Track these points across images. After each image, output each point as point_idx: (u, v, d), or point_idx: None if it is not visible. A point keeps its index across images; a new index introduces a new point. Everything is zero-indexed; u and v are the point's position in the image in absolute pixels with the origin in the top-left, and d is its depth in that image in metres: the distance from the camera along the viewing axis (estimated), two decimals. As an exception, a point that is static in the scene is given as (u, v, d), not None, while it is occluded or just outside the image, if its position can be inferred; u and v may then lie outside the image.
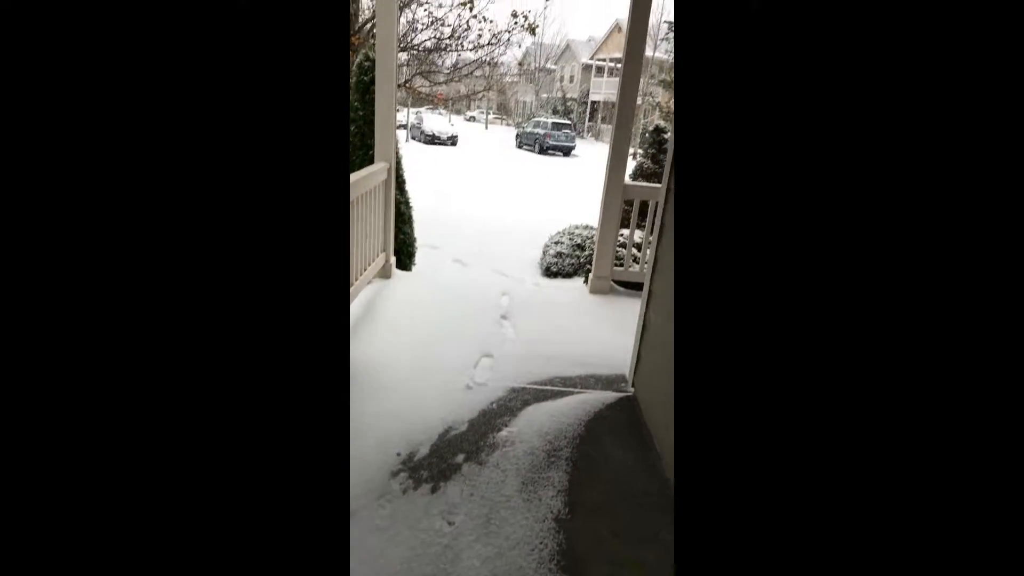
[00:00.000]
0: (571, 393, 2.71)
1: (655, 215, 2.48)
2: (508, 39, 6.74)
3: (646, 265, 4.11)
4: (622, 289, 4.22)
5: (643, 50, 3.75)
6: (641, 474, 2.13)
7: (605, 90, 31.61)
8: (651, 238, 3.90)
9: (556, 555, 1.73)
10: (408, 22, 6.27)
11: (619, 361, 3.02)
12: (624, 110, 3.82)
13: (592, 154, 23.45)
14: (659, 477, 2.11)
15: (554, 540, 1.78)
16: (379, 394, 2.52)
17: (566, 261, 5.17)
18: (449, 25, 6.45)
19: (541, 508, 1.92)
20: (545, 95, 36.90)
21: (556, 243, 5.41)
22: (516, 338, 3.29)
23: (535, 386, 2.75)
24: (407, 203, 4.55)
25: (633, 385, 2.75)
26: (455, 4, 6.19)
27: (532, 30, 6.35)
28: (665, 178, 2.48)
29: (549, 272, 5.16)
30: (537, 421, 2.43)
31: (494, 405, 2.56)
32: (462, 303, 3.77)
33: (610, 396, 2.68)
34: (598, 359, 3.07)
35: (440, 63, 7.41)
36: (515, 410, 2.53)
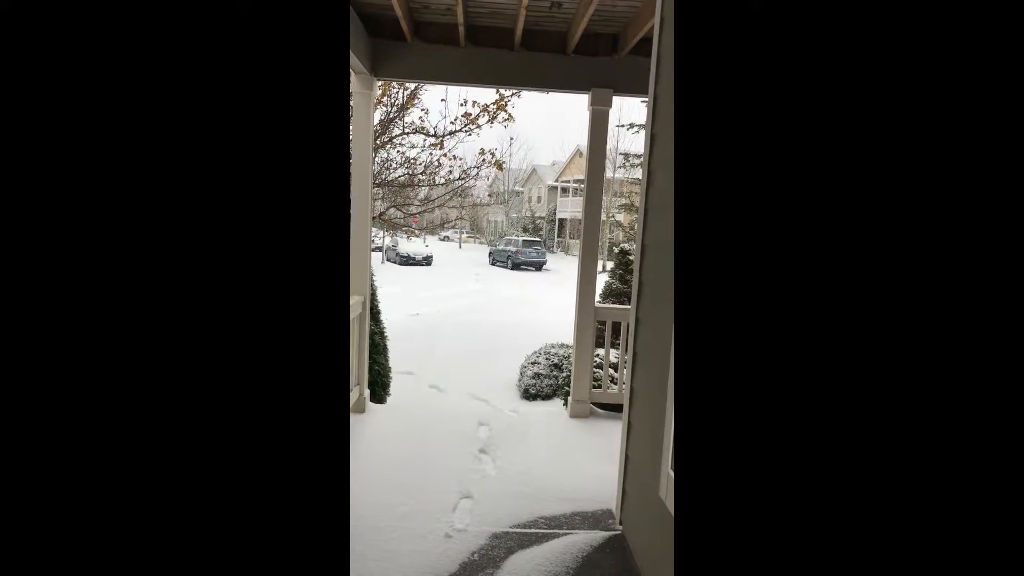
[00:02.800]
0: (557, 536, 2.54)
1: (627, 338, 2.50)
2: (477, 174, 7.23)
3: (623, 386, 4.09)
4: (601, 411, 4.14)
5: (603, 174, 4.03)
6: (639, 632, 1.94)
7: (571, 208, 33.53)
8: (626, 358, 3.93)
9: None
10: (382, 161, 6.71)
11: (605, 494, 2.88)
12: (589, 232, 4.01)
13: (562, 267, 24.26)
14: (659, 635, 1.93)
15: None
16: (353, 553, 2.32)
17: (544, 382, 5.11)
18: (421, 163, 6.92)
19: None
20: (515, 215, 38.86)
21: (533, 363, 5.39)
22: (496, 474, 3.14)
23: (518, 530, 2.58)
24: (382, 333, 4.53)
25: (621, 523, 2.60)
26: (427, 145, 6.69)
27: (499, 166, 6.84)
28: (633, 302, 2.53)
29: (527, 394, 5.09)
30: (523, 572, 2.24)
31: (476, 556, 2.37)
32: (439, 437, 3.63)
33: (598, 537, 2.52)
34: (583, 493, 2.92)
35: (413, 195, 7.83)
36: (498, 560, 2.34)
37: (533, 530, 2.58)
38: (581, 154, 31.41)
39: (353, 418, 3.70)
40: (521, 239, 25.73)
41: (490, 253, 27.38)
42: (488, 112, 6.04)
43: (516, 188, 39.28)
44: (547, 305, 12.69)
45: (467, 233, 40.76)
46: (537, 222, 36.53)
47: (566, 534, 2.55)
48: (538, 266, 23.97)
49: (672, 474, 1.94)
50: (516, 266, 23.82)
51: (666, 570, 1.95)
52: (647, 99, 2.51)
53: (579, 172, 31.59)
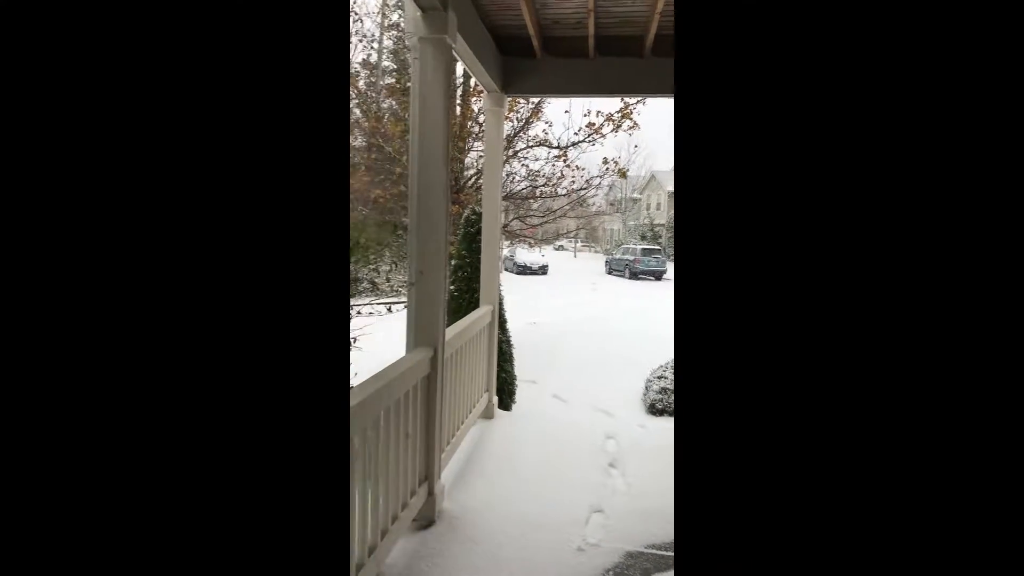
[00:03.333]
0: (696, 561, 2.41)
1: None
2: (600, 183, 7.20)
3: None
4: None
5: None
6: None
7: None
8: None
9: None
10: (507, 174, 6.92)
11: (748, 521, 2.69)
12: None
13: (684, 277, 23.20)
14: None
15: None
16: (488, 553, 2.39)
17: (671, 397, 4.92)
18: (544, 175, 7.04)
19: None
20: (632, 223, 38.03)
21: (659, 377, 5.21)
22: (627, 491, 3.07)
23: (655, 551, 2.49)
24: (508, 341, 4.65)
25: (769, 554, 2.41)
26: (550, 157, 6.79)
27: (623, 174, 6.74)
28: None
29: (654, 409, 4.93)
30: (662, 597, 2.16)
31: (611, 573, 2.33)
32: (566, 447, 3.63)
33: (743, 567, 2.36)
34: (722, 518, 2.76)
35: (536, 207, 7.98)
36: (634, 580, 2.28)
37: (670, 553, 2.47)
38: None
39: (483, 423, 3.82)
40: (639, 247, 25.10)
41: (607, 262, 27.01)
42: (612, 121, 6.00)
43: (634, 195, 38.48)
44: (667, 316, 12.23)
45: (582, 242, 40.63)
46: (656, 229, 35.44)
47: (706, 561, 2.42)
48: (657, 275, 23.20)
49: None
50: (634, 275, 23.25)
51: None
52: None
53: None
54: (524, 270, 23.86)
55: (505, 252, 25.13)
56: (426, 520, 2.54)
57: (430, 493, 2.56)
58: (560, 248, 40.52)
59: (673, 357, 5.43)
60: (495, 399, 4.05)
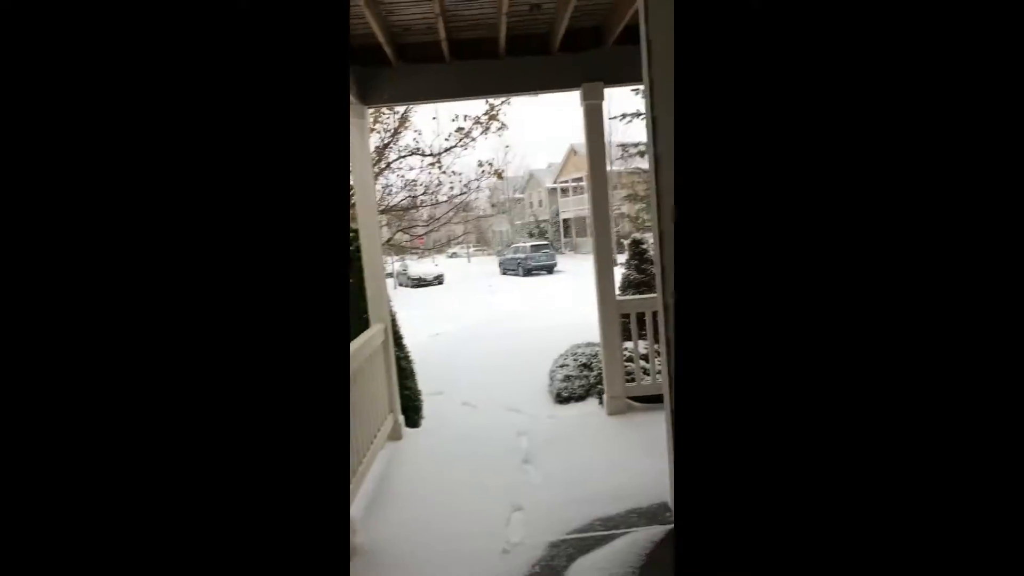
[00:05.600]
0: (616, 536, 2.49)
1: (657, 327, 2.45)
2: (478, 186, 7.25)
3: (658, 376, 4.04)
4: (638, 404, 4.09)
5: (605, 168, 4.00)
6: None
7: (573, 207, 33.49)
8: (656, 348, 3.87)
9: None
10: (382, 187, 6.75)
11: (657, 487, 2.82)
12: (600, 227, 3.98)
13: (573, 267, 24.17)
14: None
15: None
16: (410, 581, 2.29)
17: (576, 383, 5.06)
18: (422, 184, 6.96)
19: None
20: (519, 222, 38.90)
21: (561, 366, 5.34)
22: (544, 482, 3.10)
23: (576, 535, 2.53)
24: (407, 357, 4.53)
25: (679, 514, 2.54)
26: (424, 166, 6.73)
27: (499, 175, 6.84)
28: (659, 289, 2.50)
29: (560, 398, 5.03)
30: (587, 579, 2.20)
31: (537, 568, 2.33)
32: (480, 453, 3.60)
33: (658, 532, 2.47)
34: (635, 490, 2.87)
35: (418, 217, 7.86)
36: (560, 569, 2.30)
37: (591, 534, 2.53)
38: (576, 152, 31.39)
39: (391, 445, 3.68)
40: (529, 245, 25.74)
41: (500, 263, 27.40)
42: (481, 123, 6.06)
43: (516, 195, 39.36)
44: (564, 306, 12.64)
45: (474, 247, 40.88)
46: (542, 226, 36.55)
47: (624, 533, 2.50)
48: (549, 269, 23.93)
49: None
50: (528, 272, 23.79)
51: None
52: (643, 86, 2.49)
53: (576, 171, 31.56)
54: (420, 283, 23.51)
55: (397, 266, 24.56)
56: (340, 559, 2.39)
57: (341, 530, 2.41)
58: (454, 255, 40.44)
59: (572, 345, 5.60)
60: (401, 418, 3.92)
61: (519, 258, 24.72)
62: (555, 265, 24.37)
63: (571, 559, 2.36)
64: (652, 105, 2.42)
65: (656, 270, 2.51)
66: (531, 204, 40.46)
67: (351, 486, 2.64)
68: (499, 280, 23.39)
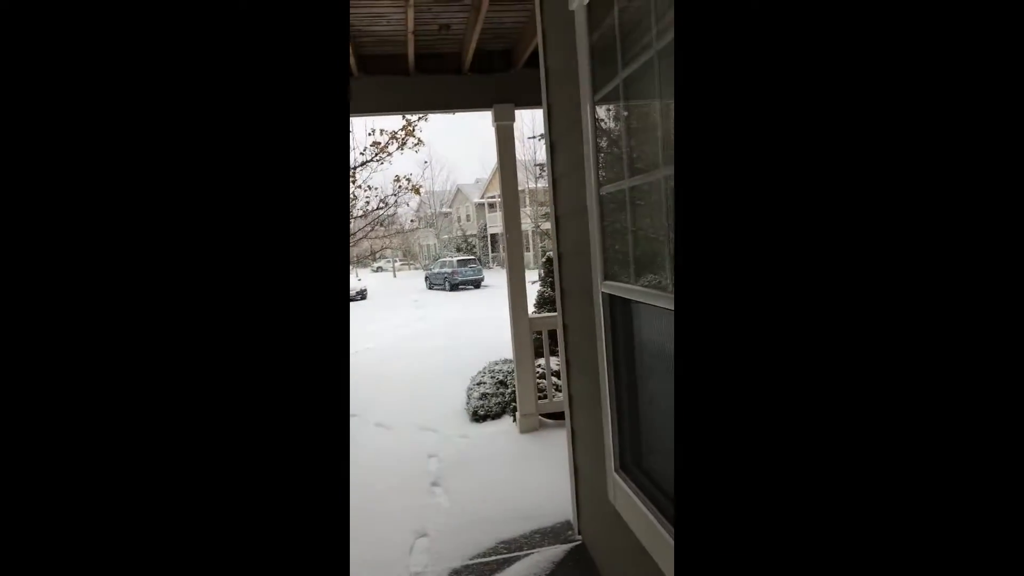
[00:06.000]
0: (518, 559, 2.47)
1: (561, 347, 2.48)
2: (395, 201, 7.14)
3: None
4: (551, 421, 4.13)
5: (516, 187, 4.06)
6: (609, 643, 1.91)
7: (502, 222, 33.84)
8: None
9: None
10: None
11: (563, 506, 2.85)
12: (513, 246, 4.02)
13: (501, 282, 24.30)
14: (629, 641, 1.90)
15: None
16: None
17: (492, 401, 5.04)
18: (336, 198, 6.75)
19: None
20: (446, 236, 38.74)
21: (478, 384, 5.30)
22: (450, 506, 3.05)
23: (479, 560, 2.50)
24: (315, 379, 4.34)
25: (580, 532, 2.57)
26: (338, 179, 6.54)
27: (416, 190, 6.77)
28: (558, 309, 2.54)
29: (476, 416, 4.99)
30: (486, 606, 2.16)
31: (436, 597, 2.27)
32: (388, 477, 3.49)
33: (559, 551, 2.48)
34: (540, 509, 2.88)
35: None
36: (461, 597, 2.25)
37: (493, 558, 2.50)
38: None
39: (294, 473, 3.50)
40: (456, 259, 25.63)
41: (426, 277, 27.07)
42: (396, 139, 5.98)
43: (444, 209, 39.23)
44: (490, 322, 12.65)
45: (400, 261, 40.21)
46: (469, 240, 36.57)
47: (527, 555, 2.49)
48: (476, 283, 23.91)
49: (617, 477, 1.93)
50: (454, 287, 23.66)
51: (628, 572, 1.93)
52: (543, 110, 2.54)
53: (493, 189, 31.93)
54: (341, 298, 22.78)
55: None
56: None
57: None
58: (379, 269, 39.56)
59: (489, 362, 5.59)
60: (306, 443, 3.74)
61: (445, 272, 24.54)
62: (482, 280, 24.39)
63: (472, 585, 2.32)
64: (551, 130, 2.47)
65: (556, 290, 2.55)
66: (458, 219, 40.43)
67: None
68: (425, 295, 23.08)
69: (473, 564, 2.47)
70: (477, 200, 37.24)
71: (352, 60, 3.48)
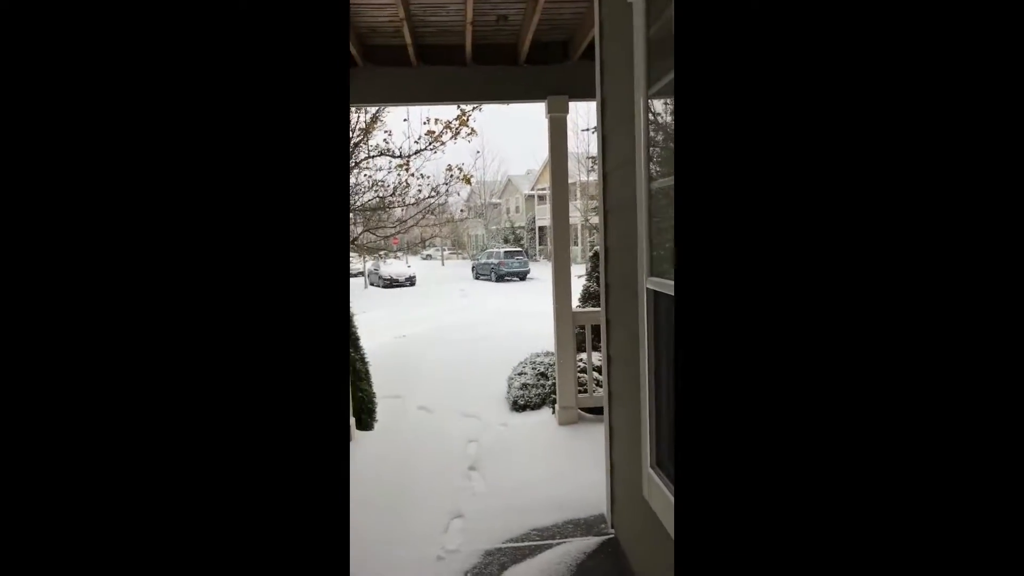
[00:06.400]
0: (550, 546, 2.51)
1: (603, 343, 2.49)
2: (447, 191, 7.25)
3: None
4: (589, 416, 4.13)
5: (567, 180, 4.06)
6: (636, 636, 1.92)
7: (550, 215, 33.70)
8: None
9: None
10: (352, 186, 6.70)
11: (597, 499, 2.86)
12: (559, 239, 4.02)
13: (546, 275, 24.24)
14: (656, 637, 1.91)
15: None
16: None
17: (532, 392, 5.08)
18: (390, 185, 6.93)
19: None
20: (495, 227, 38.95)
21: (520, 374, 5.35)
22: (487, 491, 3.11)
23: (511, 544, 2.55)
24: (362, 359, 4.49)
25: (613, 526, 2.58)
26: (393, 166, 6.70)
27: (467, 180, 6.85)
28: (602, 304, 2.54)
29: (516, 406, 5.04)
30: (517, 589, 2.21)
31: (469, 575, 2.34)
32: (428, 458, 3.59)
33: (591, 543, 2.50)
34: (575, 500, 2.90)
35: (386, 217, 7.81)
36: (492, 578, 2.31)
37: (526, 543, 2.55)
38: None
39: (339, 448, 3.65)
40: (503, 251, 25.73)
41: (473, 267, 27.32)
42: (451, 128, 6.07)
43: (493, 200, 39.42)
44: (533, 314, 12.69)
45: (449, 250, 40.75)
46: (517, 232, 36.62)
47: (559, 543, 2.52)
48: (522, 276, 23.96)
49: (652, 473, 1.93)
50: (500, 278, 23.79)
51: (659, 568, 1.93)
52: (596, 102, 2.54)
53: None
54: (391, 283, 23.32)
55: (369, 266, 24.31)
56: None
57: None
58: (428, 257, 40.22)
59: (532, 353, 5.62)
60: (352, 420, 3.89)
61: (492, 264, 24.68)
62: (528, 272, 24.41)
63: (503, 567, 2.37)
64: (603, 123, 2.47)
65: (600, 286, 2.55)
66: (508, 210, 40.54)
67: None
68: (471, 285, 23.33)
69: (506, 547, 2.52)
70: (527, 192, 37.21)
71: (411, 50, 3.56)
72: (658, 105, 1.91)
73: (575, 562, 2.35)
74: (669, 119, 1.87)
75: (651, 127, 1.92)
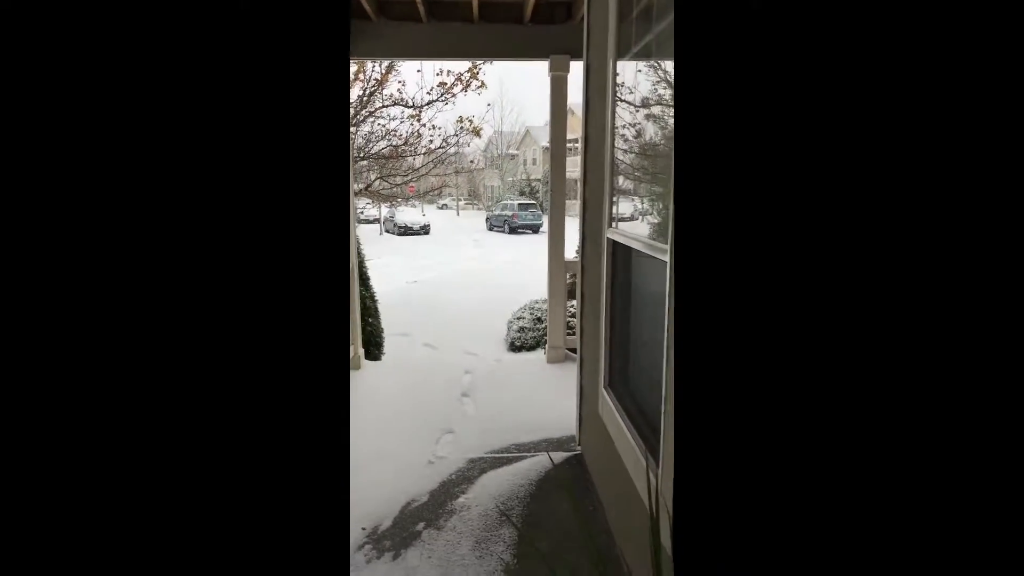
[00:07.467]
0: (525, 457, 2.94)
1: (578, 285, 2.82)
2: (457, 141, 7.46)
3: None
4: (575, 355, 4.52)
5: (565, 136, 4.31)
6: (584, 523, 2.35)
7: (568, 167, 33.41)
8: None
9: (503, 602, 1.92)
10: (364, 135, 6.96)
11: (570, 423, 3.28)
12: (556, 192, 4.31)
13: (560, 228, 24.36)
14: (599, 524, 2.33)
15: (502, 589, 1.98)
16: (346, 478, 2.73)
17: (528, 335, 5.50)
18: (402, 135, 7.16)
19: (492, 561, 2.12)
20: (510, 178, 38.75)
21: (518, 318, 5.76)
22: (476, 413, 3.55)
23: (492, 455, 2.98)
24: (372, 297, 4.90)
25: (580, 443, 3.00)
26: (405, 116, 6.92)
27: (477, 132, 7.06)
28: (580, 252, 2.86)
29: (513, 346, 5.47)
30: (492, 485, 2.65)
31: (453, 475, 2.78)
32: (427, 386, 4.03)
33: (560, 456, 2.92)
34: (552, 423, 3.32)
35: (399, 166, 8.08)
36: (472, 478, 2.75)
37: (505, 455, 2.98)
38: (573, 112, 31.04)
39: (350, 373, 4.09)
40: (517, 203, 25.81)
41: (487, 219, 27.50)
42: (462, 81, 6.25)
43: (510, 151, 39.04)
44: (541, 267, 13.00)
45: (464, 200, 40.76)
46: (533, 184, 36.44)
47: (533, 455, 2.95)
48: (535, 228, 24.12)
49: (604, 393, 2.31)
50: (513, 230, 24.00)
51: (607, 477, 2.33)
52: (582, 66, 2.78)
53: (571, 132, 31.31)
54: (406, 231, 23.69)
55: (385, 213, 24.62)
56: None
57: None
58: (444, 207, 40.34)
59: (531, 300, 6.00)
60: (361, 351, 4.32)
61: (506, 215, 24.83)
62: (541, 225, 24.54)
63: (483, 471, 2.81)
64: (587, 87, 2.72)
65: (579, 236, 2.87)
66: (525, 161, 40.18)
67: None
68: (485, 235, 23.59)
69: (487, 457, 2.96)
70: (544, 144, 36.79)
71: (421, 8, 3.76)
72: (625, 72, 2.15)
73: (543, 469, 2.78)
74: (636, 88, 2.13)
75: (616, 95, 2.18)
